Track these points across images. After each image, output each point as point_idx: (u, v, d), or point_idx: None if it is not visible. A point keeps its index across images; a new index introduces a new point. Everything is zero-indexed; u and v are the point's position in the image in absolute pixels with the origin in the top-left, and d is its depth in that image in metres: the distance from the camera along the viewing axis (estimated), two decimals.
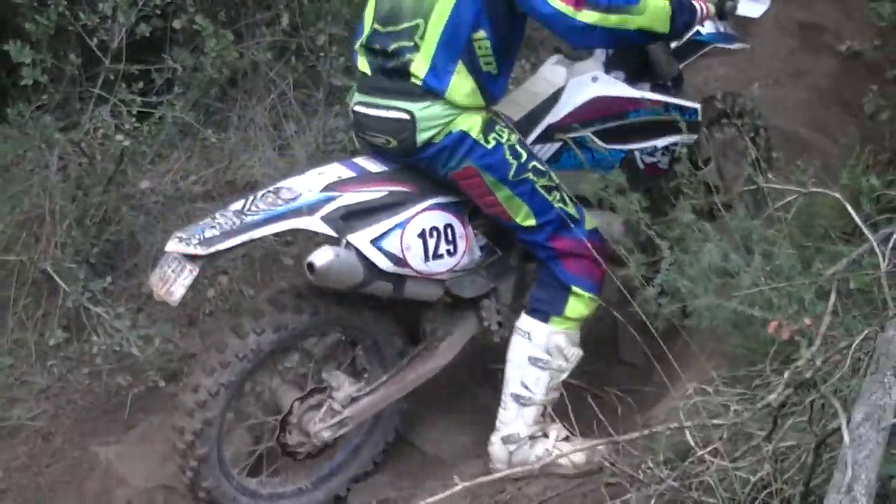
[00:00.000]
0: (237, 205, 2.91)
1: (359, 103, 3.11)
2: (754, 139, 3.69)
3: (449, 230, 3.09)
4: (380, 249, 2.95)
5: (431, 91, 2.92)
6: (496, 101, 3.08)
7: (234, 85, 4.60)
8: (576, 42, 3.08)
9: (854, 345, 2.19)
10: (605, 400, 3.15)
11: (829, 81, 5.30)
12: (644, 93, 3.36)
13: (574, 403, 2.99)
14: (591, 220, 3.19)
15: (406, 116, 2.95)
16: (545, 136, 3.22)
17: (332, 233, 2.90)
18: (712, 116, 3.69)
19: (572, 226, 3.11)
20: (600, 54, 3.31)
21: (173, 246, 2.79)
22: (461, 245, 3.12)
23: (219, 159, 4.37)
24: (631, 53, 3.35)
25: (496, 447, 3.20)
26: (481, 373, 3.64)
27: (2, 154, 3.79)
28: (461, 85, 2.92)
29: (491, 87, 3.01)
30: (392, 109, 2.99)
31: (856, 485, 1.70)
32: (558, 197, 3.10)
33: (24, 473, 3.55)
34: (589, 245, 3.10)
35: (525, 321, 3.17)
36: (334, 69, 4.44)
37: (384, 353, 3.24)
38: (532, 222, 3.08)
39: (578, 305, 3.14)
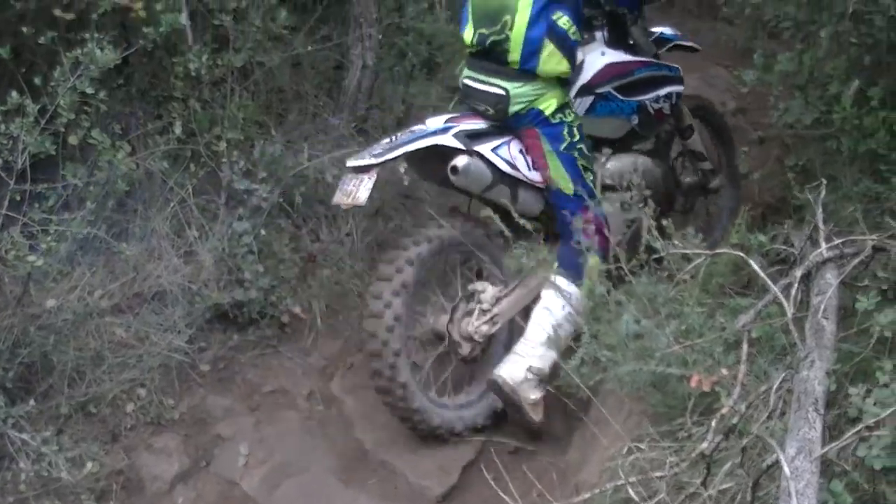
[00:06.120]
0: (385, 140, 3.84)
1: (467, 77, 4.04)
2: None
3: None
4: (499, 156, 3.90)
5: (525, 71, 3.82)
6: (577, 62, 3.97)
7: (132, 196, 4.58)
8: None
9: (774, 388, 2.38)
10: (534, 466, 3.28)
11: None
12: (640, 57, 4.33)
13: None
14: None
15: (503, 92, 3.88)
16: (580, 93, 4.13)
17: (462, 146, 3.83)
18: None
19: (593, 203, 3.89)
20: (600, 39, 4.26)
21: (353, 162, 3.74)
22: None
23: (124, 272, 4.33)
24: (621, 38, 4.31)
25: (517, 367, 3.77)
26: None
27: None
28: (550, 59, 3.80)
29: (574, 50, 3.90)
30: (493, 86, 3.91)
31: None
32: (590, 177, 3.98)
33: None
34: (602, 221, 3.92)
35: (564, 283, 3.82)
36: (235, 173, 4.48)
37: (499, 265, 4.04)
38: (570, 190, 3.93)
39: (593, 270, 3.64)
